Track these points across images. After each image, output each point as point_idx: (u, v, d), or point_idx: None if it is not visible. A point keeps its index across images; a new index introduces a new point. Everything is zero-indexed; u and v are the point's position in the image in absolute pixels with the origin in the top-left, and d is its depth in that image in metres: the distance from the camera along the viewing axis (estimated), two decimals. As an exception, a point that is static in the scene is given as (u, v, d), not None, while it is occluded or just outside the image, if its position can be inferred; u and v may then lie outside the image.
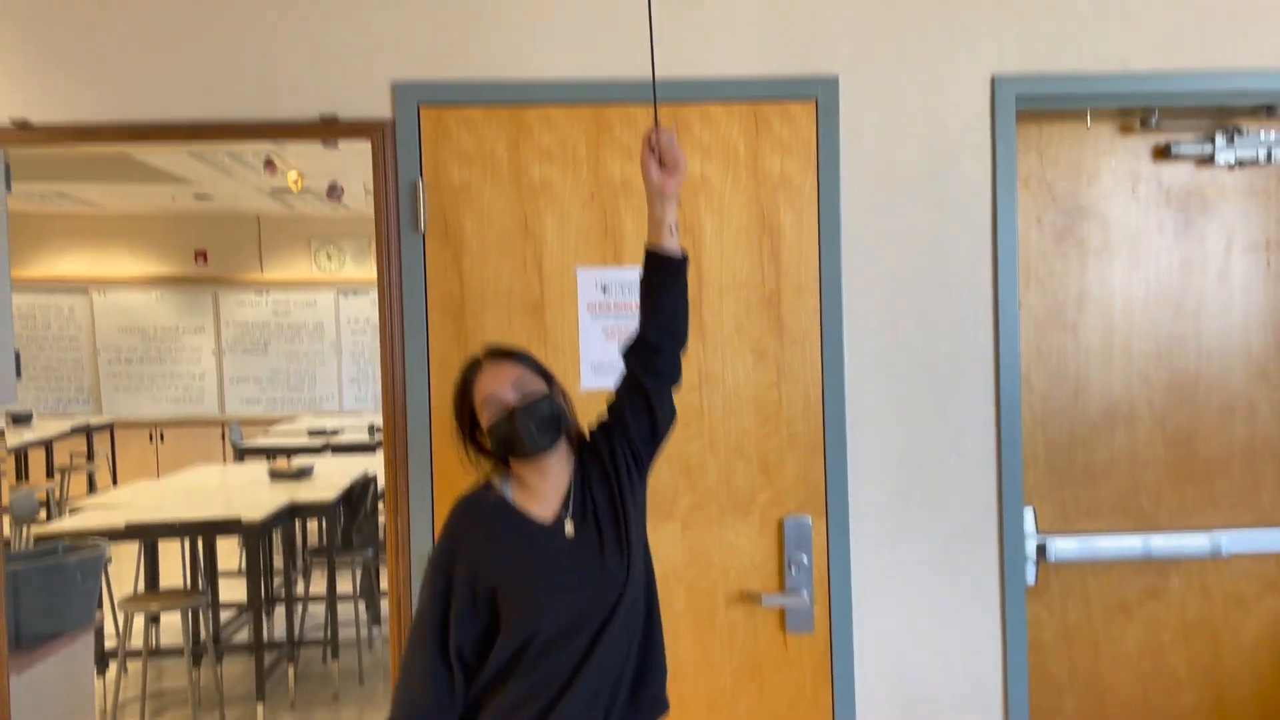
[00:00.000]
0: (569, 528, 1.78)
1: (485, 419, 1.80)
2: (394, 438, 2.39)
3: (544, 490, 1.81)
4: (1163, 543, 2.54)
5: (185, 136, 2.35)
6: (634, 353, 1.83)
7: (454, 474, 2.32)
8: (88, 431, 8.81)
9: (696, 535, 2.43)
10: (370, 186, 2.38)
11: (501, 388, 1.78)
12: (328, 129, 2.36)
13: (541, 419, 1.76)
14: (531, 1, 2.38)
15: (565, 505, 1.80)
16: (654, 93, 1.87)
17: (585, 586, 1.74)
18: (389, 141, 2.36)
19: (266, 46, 2.36)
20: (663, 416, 1.83)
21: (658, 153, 1.78)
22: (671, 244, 1.79)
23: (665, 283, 1.79)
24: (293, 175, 7.31)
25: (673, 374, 1.83)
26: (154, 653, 5.43)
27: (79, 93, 2.34)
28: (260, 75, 2.36)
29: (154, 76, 2.35)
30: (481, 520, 1.81)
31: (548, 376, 1.86)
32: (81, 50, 2.35)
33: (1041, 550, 2.52)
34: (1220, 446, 2.57)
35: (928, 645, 2.44)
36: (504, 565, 1.76)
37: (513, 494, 1.83)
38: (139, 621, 5.14)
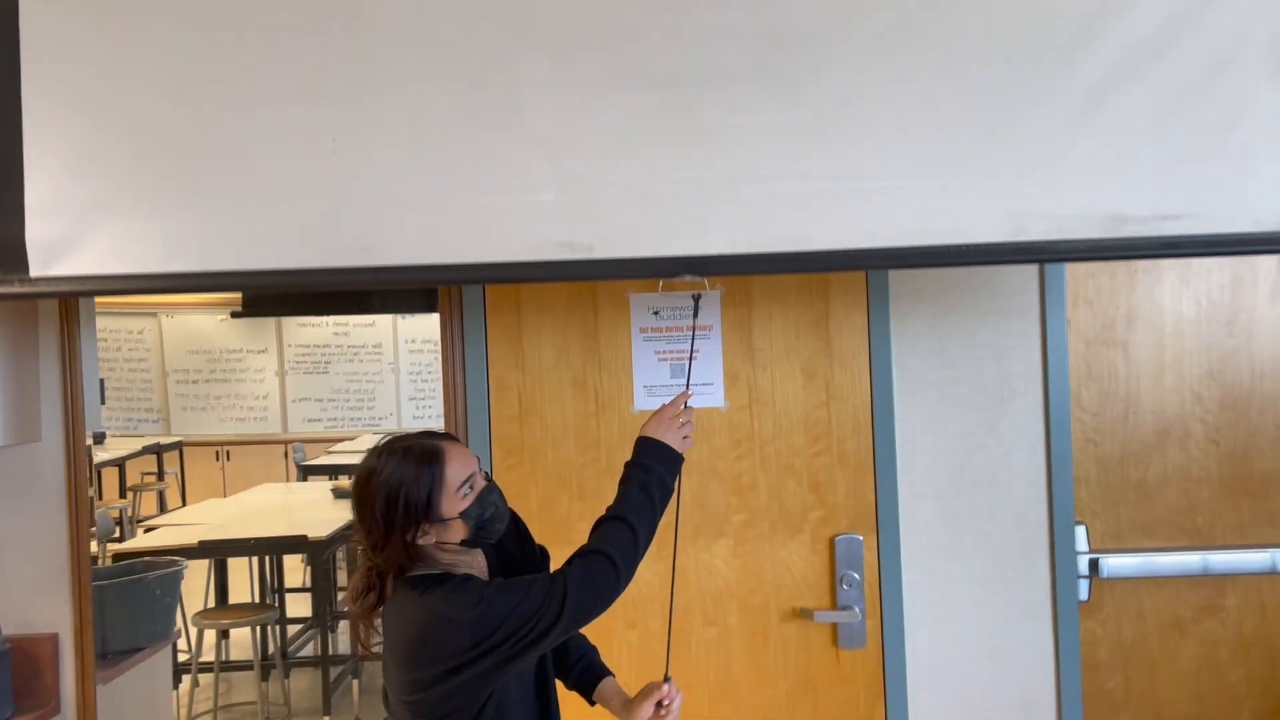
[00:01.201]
0: None
1: (460, 503, 1.64)
2: (456, 458, 2.48)
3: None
4: (1220, 559, 2.53)
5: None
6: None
7: (513, 491, 2.41)
8: (158, 451, 9.10)
9: (749, 552, 2.48)
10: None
11: (475, 466, 1.69)
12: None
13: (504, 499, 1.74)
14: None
15: None
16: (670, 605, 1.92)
17: None
18: (449, 175, 2.46)
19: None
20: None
21: (665, 710, 1.70)
22: None
23: None
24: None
25: None
26: (224, 666, 5.59)
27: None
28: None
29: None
30: None
31: None
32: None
33: (1094, 566, 2.53)
34: (1276, 463, 2.56)
35: (981, 661, 2.47)
36: None
37: None
38: (210, 636, 5.32)
